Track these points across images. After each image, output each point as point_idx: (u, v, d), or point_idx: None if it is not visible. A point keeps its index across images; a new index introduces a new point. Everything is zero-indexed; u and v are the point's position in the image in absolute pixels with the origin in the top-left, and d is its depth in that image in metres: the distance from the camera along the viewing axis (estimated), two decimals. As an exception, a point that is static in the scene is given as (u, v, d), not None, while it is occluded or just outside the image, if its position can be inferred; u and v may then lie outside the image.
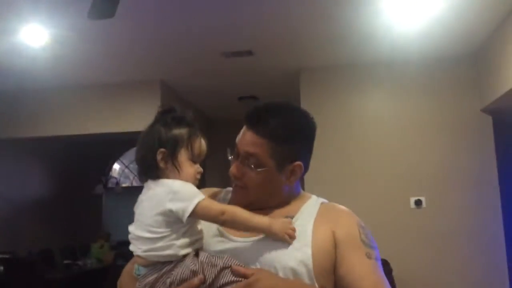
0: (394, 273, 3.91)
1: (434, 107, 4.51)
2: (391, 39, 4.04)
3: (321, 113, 4.59)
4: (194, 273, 1.06)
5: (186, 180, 1.15)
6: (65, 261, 6.08)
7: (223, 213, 1.09)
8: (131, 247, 1.15)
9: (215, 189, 1.36)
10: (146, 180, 1.17)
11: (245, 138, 1.17)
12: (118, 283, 1.28)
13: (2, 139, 5.38)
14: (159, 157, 1.13)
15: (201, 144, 1.19)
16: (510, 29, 3.58)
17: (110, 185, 9.35)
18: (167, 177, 1.14)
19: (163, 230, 1.10)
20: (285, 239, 1.09)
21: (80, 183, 8.05)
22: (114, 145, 8.32)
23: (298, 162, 1.18)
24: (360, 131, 4.63)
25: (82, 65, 4.55)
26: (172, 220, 1.10)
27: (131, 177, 10.11)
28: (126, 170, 10.12)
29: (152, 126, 1.18)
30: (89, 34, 3.78)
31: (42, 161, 7.28)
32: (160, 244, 1.10)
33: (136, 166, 1.20)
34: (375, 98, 4.71)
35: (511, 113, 3.58)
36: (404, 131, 4.54)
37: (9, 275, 5.09)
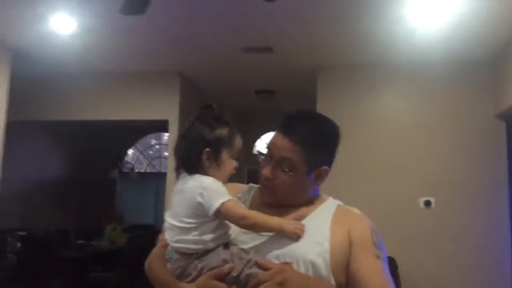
0: (399, 270, 4.00)
1: (449, 109, 4.56)
2: (412, 43, 4.09)
3: (336, 111, 4.65)
4: (224, 262, 1.17)
5: (224, 176, 1.26)
6: (79, 241, 6.24)
7: (244, 218, 1.19)
8: (166, 235, 1.26)
9: (239, 185, 1.46)
10: (182, 173, 1.26)
11: (281, 144, 1.27)
12: (146, 264, 1.38)
13: (27, 121, 5.54)
14: (204, 156, 1.23)
15: (239, 141, 1.29)
16: (528, 37, 3.62)
17: (124, 170, 9.51)
18: (207, 173, 1.23)
19: (192, 221, 1.20)
20: (294, 237, 1.20)
21: (96, 167, 8.21)
22: (131, 131, 8.48)
23: (325, 167, 1.31)
24: (374, 131, 4.70)
25: (107, 53, 4.67)
26: (200, 213, 1.20)
27: (145, 163, 10.27)
28: (140, 156, 10.27)
29: (194, 123, 1.27)
30: (114, 24, 3.89)
31: (61, 144, 7.44)
32: (190, 237, 1.20)
33: (176, 159, 1.28)
34: (391, 99, 4.77)
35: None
36: (417, 132, 4.60)
37: (26, 251, 5.27)
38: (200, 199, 1.19)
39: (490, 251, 4.28)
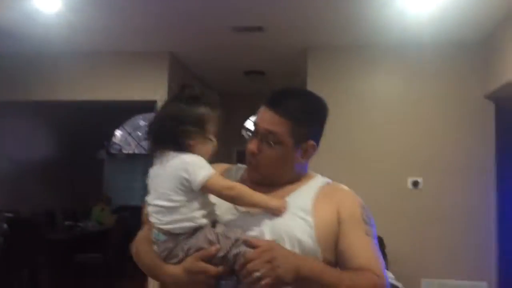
0: (387, 250, 4.05)
1: (439, 90, 4.56)
2: (403, 23, 4.06)
3: (326, 91, 4.58)
4: (210, 243, 1.16)
5: (207, 153, 1.25)
6: (67, 223, 6.21)
7: (230, 188, 1.21)
8: (152, 219, 1.24)
9: (226, 165, 1.45)
10: (160, 152, 1.24)
11: (266, 117, 1.26)
12: (133, 247, 1.37)
13: (12, 101, 5.44)
14: (191, 134, 1.22)
15: (220, 120, 1.29)
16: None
17: (112, 151, 9.45)
18: (191, 151, 1.23)
19: (180, 199, 1.19)
20: (278, 213, 1.21)
21: (83, 148, 8.13)
22: (118, 112, 8.39)
23: (311, 142, 1.30)
24: (362, 111, 4.70)
25: (94, 32, 4.56)
26: (186, 189, 1.19)
27: (133, 145, 10.20)
28: (128, 137, 10.19)
29: (177, 104, 1.25)
30: (102, 2, 3.80)
31: (48, 124, 7.34)
32: (179, 216, 1.19)
33: (157, 139, 1.26)
34: (380, 79, 4.75)
35: (513, 101, 3.65)
36: (406, 112, 4.60)
37: (13, 233, 5.23)
38: (185, 174, 1.19)
39: (477, 231, 4.34)
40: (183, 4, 3.88)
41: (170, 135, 1.23)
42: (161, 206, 1.21)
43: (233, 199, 1.22)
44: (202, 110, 1.24)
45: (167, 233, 1.21)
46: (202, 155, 1.24)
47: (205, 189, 1.19)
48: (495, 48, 4.20)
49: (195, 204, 1.20)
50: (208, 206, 1.23)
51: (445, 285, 4.36)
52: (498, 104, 4.42)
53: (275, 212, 1.21)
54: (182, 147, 1.22)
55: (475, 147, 4.43)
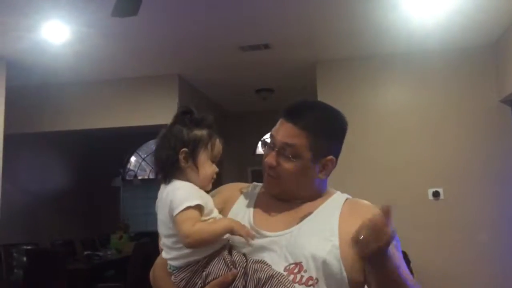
0: (412, 265, 3.93)
1: (453, 98, 4.49)
2: (408, 31, 4.03)
3: (338, 105, 4.52)
4: (228, 269, 1.11)
5: (203, 180, 1.19)
6: (86, 252, 6.20)
7: (186, 236, 1.10)
8: (163, 254, 1.19)
9: (241, 184, 1.40)
10: (163, 179, 1.19)
11: (284, 129, 1.21)
12: (151, 276, 1.33)
13: (23, 133, 5.49)
14: (181, 156, 1.16)
15: (219, 145, 1.22)
16: (530, 19, 3.55)
17: (127, 177, 9.46)
18: (186, 176, 1.17)
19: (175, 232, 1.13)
20: (247, 236, 1.12)
21: (99, 176, 8.17)
22: (131, 138, 8.43)
23: (331, 157, 1.24)
24: (377, 123, 4.63)
25: (102, 61, 4.62)
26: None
27: (148, 170, 10.21)
28: (143, 163, 10.21)
29: (172, 126, 1.21)
30: (108, 31, 3.84)
31: (62, 154, 7.40)
32: (186, 251, 1.13)
33: (155, 165, 1.23)
34: (392, 89, 4.70)
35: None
36: (422, 122, 4.53)
37: (33, 265, 5.21)
38: (169, 202, 1.14)
39: (502, 239, 4.20)
40: (186, 26, 3.91)
41: (166, 157, 1.18)
42: (164, 236, 1.17)
43: (195, 246, 1.12)
44: (203, 132, 1.19)
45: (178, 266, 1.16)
46: (199, 182, 1.18)
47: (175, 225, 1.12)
48: (506, 51, 4.13)
49: None
50: None
51: (474, 297, 4.22)
52: (515, 107, 4.32)
53: (245, 235, 1.13)
54: (176, 171, 1.17)
55: (494, 153, 4.32)
